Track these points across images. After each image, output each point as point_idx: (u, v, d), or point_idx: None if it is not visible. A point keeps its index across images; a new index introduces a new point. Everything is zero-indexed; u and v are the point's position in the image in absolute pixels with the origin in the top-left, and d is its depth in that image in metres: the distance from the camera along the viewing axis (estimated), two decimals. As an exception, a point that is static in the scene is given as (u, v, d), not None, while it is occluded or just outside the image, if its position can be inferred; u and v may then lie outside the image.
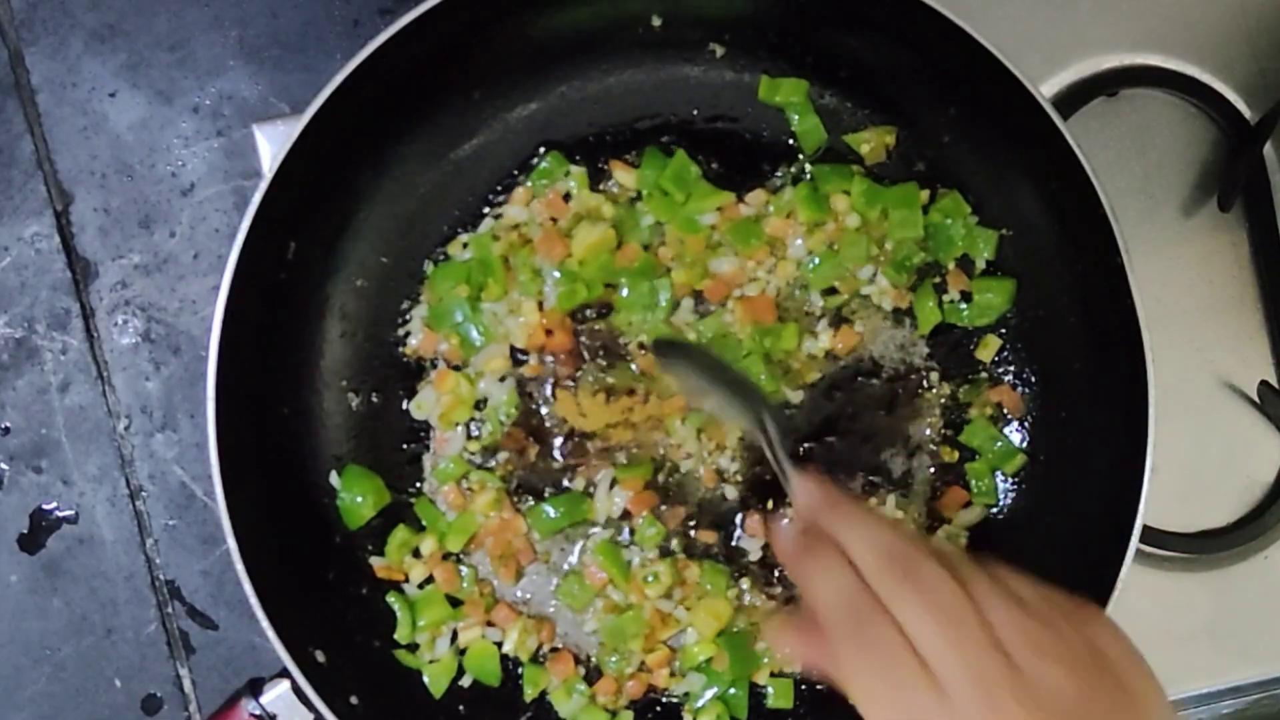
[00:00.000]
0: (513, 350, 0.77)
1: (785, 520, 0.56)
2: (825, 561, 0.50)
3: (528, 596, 0.77)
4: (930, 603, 0.46)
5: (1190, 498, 0.82)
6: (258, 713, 0.71)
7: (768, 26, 0.75)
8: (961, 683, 0.45)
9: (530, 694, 0.76)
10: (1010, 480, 0.78)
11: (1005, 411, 0.78)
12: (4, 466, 0.79)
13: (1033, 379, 0.78)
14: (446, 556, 0.76)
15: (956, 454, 0.78)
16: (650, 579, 0.75)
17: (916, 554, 0.48)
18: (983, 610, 0.46)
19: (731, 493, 0.77)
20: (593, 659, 0.77)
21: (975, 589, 0.47)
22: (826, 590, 0.49)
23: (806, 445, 0.77)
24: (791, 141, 0.78)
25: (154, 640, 0.80)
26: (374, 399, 0.76)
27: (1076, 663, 0.46)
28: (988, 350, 0.78)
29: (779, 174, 0.78)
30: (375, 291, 0.76)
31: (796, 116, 0.77)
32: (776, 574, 0.77)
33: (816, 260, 0.77)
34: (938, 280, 0.78)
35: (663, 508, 0.77)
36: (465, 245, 0.77)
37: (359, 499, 0.74)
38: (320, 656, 0.70)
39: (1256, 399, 0.82)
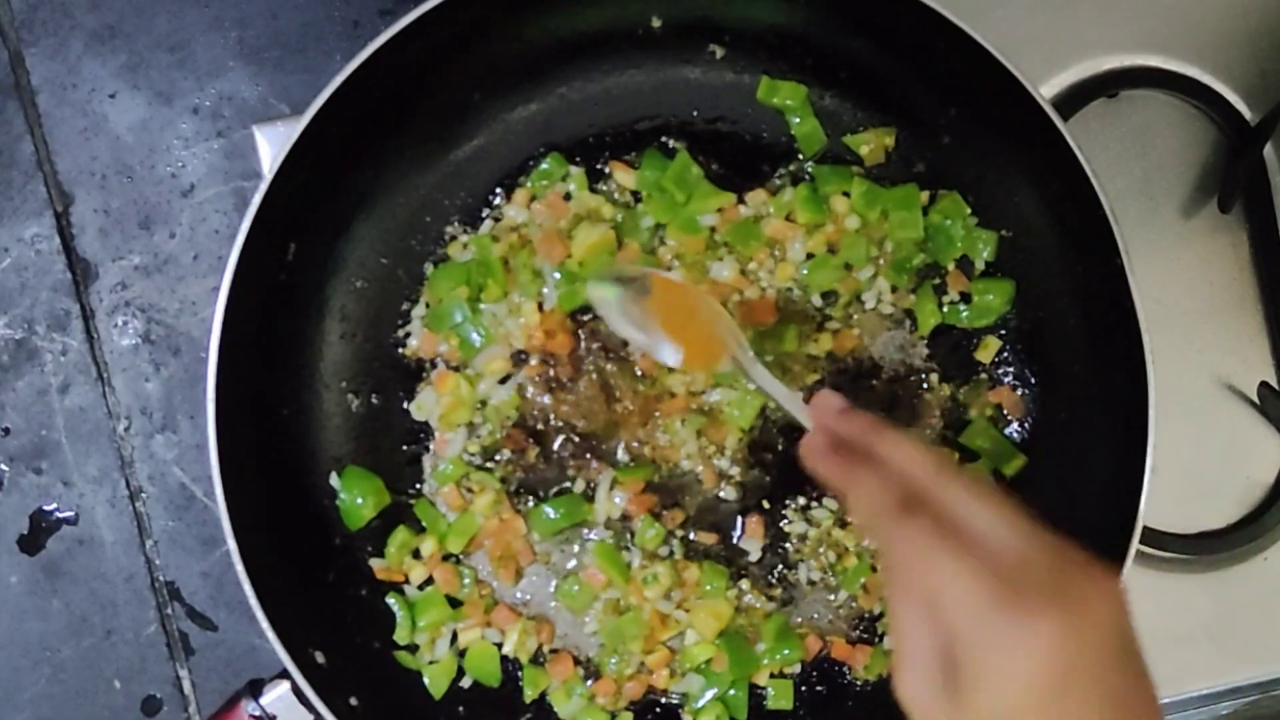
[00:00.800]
0: (513, 351, 0.77)
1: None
2: (867, 471, 0.53)
3: (527, 597, 0.77)
4: (981, 491, 0.50)
5: (1190, 498, 0.82)
6: (258, 713, 0.71)
7: (767, 28, 0.75)
8: (1012, 547, 0.47)
9: (530, 695, 0.76)
10: (1010, 481, 0.78)
11: (1005, 412, 0.78)
12: (4, 468, 0.79)
13: (1032, 380, 0.78)
14: (446, 558, 0.76)
15: (957, 455, 0.78)
16: (650, 580, 0.75)
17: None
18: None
19: (731, 493, 0.77)
20: (592, 660, 0.77)
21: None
22: (869, 495, 0.52)
23: (806, 446, 0.77)
24: (792, 141, 0.78)
25: (154, 641, 0.80)
26: (374, 400, 0.76)
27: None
28: (987, 351, 0.78)
29: (779, 175, 0.78)
30: (375, 292, 0.76)
31: (796, 119, 0.77)
32: (776, 574, 0.77)
33: (816, 262, 0.77)
34: (937, 281, 0.78)
35: (662, 509, 0.77)
36: (465, 246, 0.77)
37: (359, 500, 0.74)
38: (320, 657, 0.70)
39: (1256, 400, 0.82)
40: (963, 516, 0.49)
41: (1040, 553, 0.47)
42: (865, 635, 0.78)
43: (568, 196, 0.77)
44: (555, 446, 0.77)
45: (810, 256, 0.77)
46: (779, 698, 0.77)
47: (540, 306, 0.76)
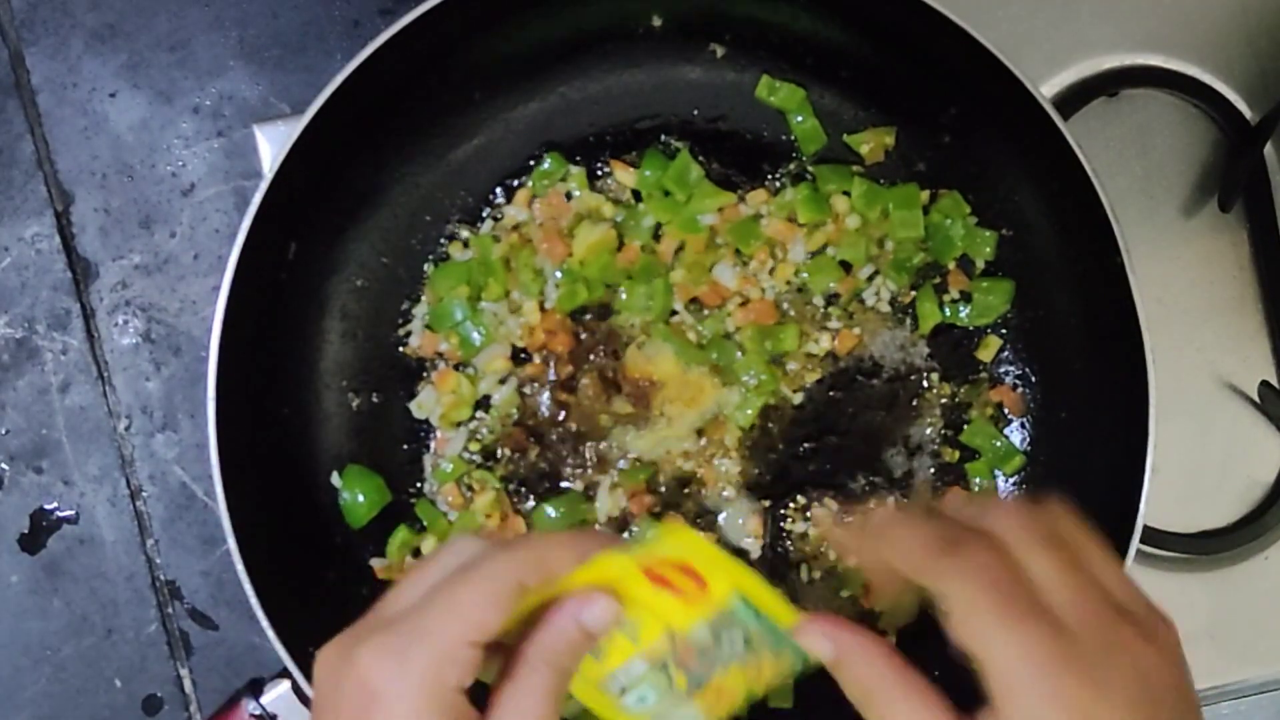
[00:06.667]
0: (514, 350, 0.77)
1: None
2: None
3: (528, 596, 0.77)
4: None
5: (1190, 498, 0.82)
6: (258, 713, 0.71)
7: (768, 26, 0.75)
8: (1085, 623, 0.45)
9: (530, 694, 0.76)
10: (1010, 480, 0.78)
11: (1005, 411, 0.78)
12: (4, 467, 0.79)
13: (1033, 379, 0.78)
14: (447, 557, 0.76)
15: (957, 454, 0.78)
16: (650, 579, 0.75)
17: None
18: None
19: (731, 493, 0.77)
20: (593, 659, 0.77)
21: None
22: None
23: (806, 445, 0.77)
24: (792, 141, 0.78)
25: (154, 640, 0.80)
26: (375, 399, 0.76)
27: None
28: (988, 350, 0.78)
29: (779, 174, 0.78)
30: (375, 291, 0.76)
31: (797, 118, 0.77)
32: (777, 573, 0.77)
33: (816, 262, 0.77)
34: (938, 281, 0.78)
35: (662, 508, 0.77)
36: (465, 245, 0.77)
37: (360, 498, 0.74)
38: (320, 657, 0.70)
39: (1256, 399, 0.82)
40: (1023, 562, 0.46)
41: (1096, 615, 0.46)
42: (865, 634, 0.77)
43: (568, 196, 0.77)
44: (555, 445, 0.77)
45: (810, 256, 0.77)
46: (779, 696, 0.76)
47: (541, 306, 0.76)
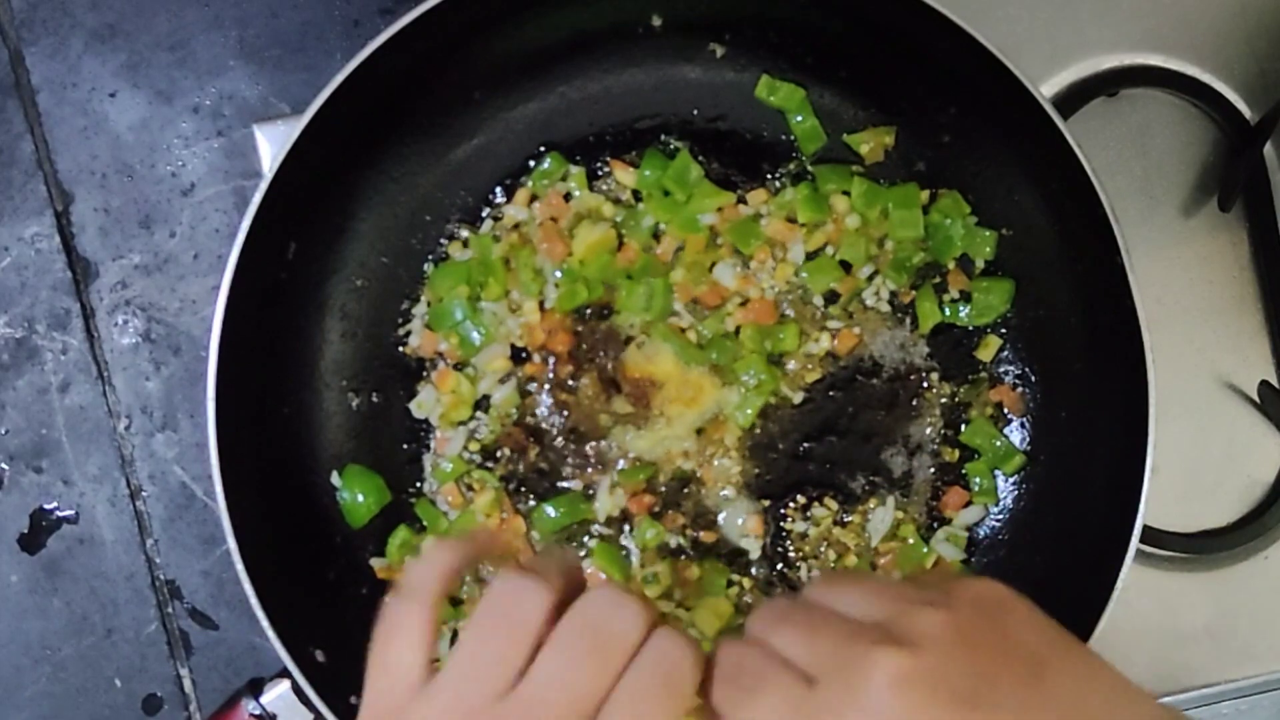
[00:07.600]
0: (514, 350, 0.77)
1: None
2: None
3: (528, 596, 0.77)
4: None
5: (1190, 498, 0.82)
6: (258, 713, 0.71)
7: (768, 26, 0.75)
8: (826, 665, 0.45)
9: (530, 694, 0.76)
10: (1010, 480, 0.78)
11: (1005, 411, 0.78)
12: (4, 466, 0.79)
13: (1033, 379, 0.78)
14: (447, 556, 0.76)
15: (957, 453, 0.78)
16: (650, 579, 0.75)
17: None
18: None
19: (731, 492, 0.77)
20: (593, 659, 0.77)
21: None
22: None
23: (806, 445, 0.77)
24: (792, 140, 0.78)
25: (154, 640, 0.80)
26: (374, 398, 0.76)
27: (952, 606, 0.45)
28: (988, 350, 0.78)
29: (779, 174, 0.78)
30: (375, 291, 0.76)
31: (796, 117, 0.77)
32: (777, 573, 0.77)
33: (816, 262, 0.77)
34: (938, 280, 0.78)
35: (662, 508, 0.77)
36: (465, 245, 0.77)
37: (360, 498, 0.74)
38: (320, 656, 0.70)
39: (1256, 399, 0.82)
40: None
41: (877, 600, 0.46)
42: (865, 634, 0.77)
43: (568, 196, 0.77)
44: (555, 445, 0.77)
45: (810, 256, 0.77)
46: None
47: (541, 305, 0.76)
